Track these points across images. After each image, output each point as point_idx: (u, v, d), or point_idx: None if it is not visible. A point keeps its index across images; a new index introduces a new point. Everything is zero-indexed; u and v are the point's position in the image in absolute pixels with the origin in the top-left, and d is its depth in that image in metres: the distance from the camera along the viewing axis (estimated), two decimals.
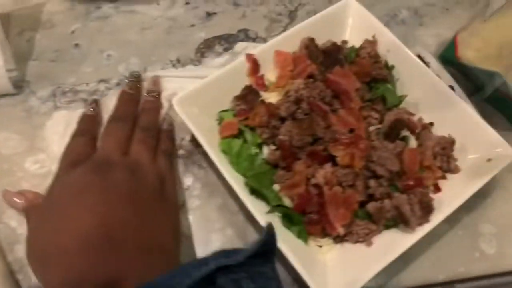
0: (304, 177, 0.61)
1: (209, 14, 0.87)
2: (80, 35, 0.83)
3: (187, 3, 0.88)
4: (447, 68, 0.82)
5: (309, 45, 0.70)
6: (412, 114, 0.68)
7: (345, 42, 0.75)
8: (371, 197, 0.61)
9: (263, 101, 0.66)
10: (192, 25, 0.88)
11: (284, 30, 0.84)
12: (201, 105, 0.67)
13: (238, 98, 0.67)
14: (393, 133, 0.63)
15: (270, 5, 0.89)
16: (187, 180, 0.71)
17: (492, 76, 0.73)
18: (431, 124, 0.69)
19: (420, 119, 0.69)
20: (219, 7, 0.88)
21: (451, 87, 0.77)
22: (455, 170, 0.64)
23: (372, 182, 0.60)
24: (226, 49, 0.85)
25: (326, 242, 0.61)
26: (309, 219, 0.60)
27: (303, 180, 0.61)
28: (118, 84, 0.81)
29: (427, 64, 0.79)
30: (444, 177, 0.64)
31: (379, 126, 0.65)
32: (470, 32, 0.78)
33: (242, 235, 0.67)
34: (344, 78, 0.67)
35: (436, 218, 0.58)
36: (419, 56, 0.80)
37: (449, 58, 0.80)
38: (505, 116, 0.77)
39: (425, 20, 0.88)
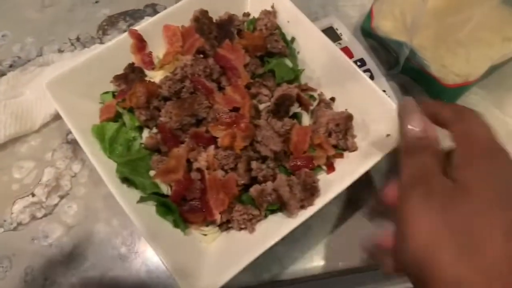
0: (182, 162, 0.56)
1: None
2: None
3: None
4: (368, 40, 0.78)
5: (200, 18, 0.64)
6: (307, 89, 0.64)
7: (246, 14, 0.70)
8: (255, 180, 0.57)
9: (142, 80, 0.60)
10: (96, 1, 0.83)
11: None
12: (80, 88, 0.61)
13: (117, 77, 0.62)
14: (281, 110, 0.58)
15: None
16: (75, 167, 0.67)
17: (401, 46, 0.68)
18: (332, 99, 0.64)
19: (320, 95, 0.64)
20: None
21: (362, 60, 0.72)
22: (351, 148, 0.59)
23: (254, 164, 0.56)
24: (131, 26, 0.80)
25: (211, 230, 0.57)
26: (189, 207, 0.56)
27: (181, 165, 0.56)
28: (11, 66, 0.76)
29: (339, 35, 0.74)
30: (340, 156, 0.60)
31: (269, 103, 0.60)
32: (383, 1, 0.73)
33: (128, 225, 0.63)
34: (232, 53, 0.61)
35: (321, 201, 0.54)
36: (331, 28, 0.75)
37: (367, 30, 0.75)
38: (424, 88, 0.72)
39: None
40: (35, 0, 0.82)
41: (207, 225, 0.57)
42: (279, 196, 0.53)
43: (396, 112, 0.45)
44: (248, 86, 0.61)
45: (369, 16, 0.74)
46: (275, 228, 0.54)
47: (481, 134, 0.39)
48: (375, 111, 0.60)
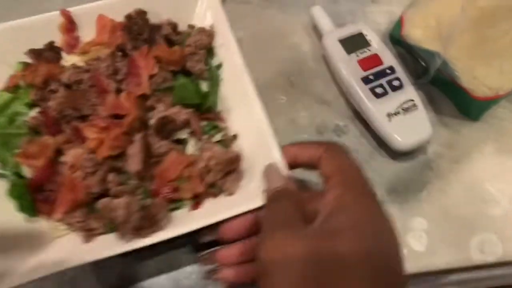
0: (47, 151, 0.55)
1: None
2: None
3: None
4: (396, 48, 0.74)
5: (133, 17, 0.63)
6: (212, 118, 0.61)
7: (191, 26, 0.68)
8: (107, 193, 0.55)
9: (48, 61, 0.60)
10: None
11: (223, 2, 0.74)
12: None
13: (33, 51, 0.62)
14: (163, 131, 0.56)
15: None
16: None
17: (433, 56, 0.64)
18: (234, 136, 0.60)
19: (224, 128, 0.61)
20: None
21: (392, 68, 0.67)
22: (227, 192, 0.56)
23: (110, 176, 0.54)
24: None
25: (59, 227, 0.56)
26: (44, 197, 0.55)
27: (45, 154, 0.55)
28: None
29: (368, 42, 0.70)
30: (212, 195, 0.56)
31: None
32: (416, 9, 0.70)
33: None
34: (143, 60, 0.60)
35: (159, 235, 0.51)
36: (361, 34, 0.71)
37: (396, 37, 0.72)
38: (451, 100, 0.69)
39: None
40: None
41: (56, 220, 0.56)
42: (112, 218, 0.50)
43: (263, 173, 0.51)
44: (146, 97, 0.59)
45: (399, 23, 0.71)
46: (102, 248, 0.51)
47: (352, 174, 0.43)
48: (262, 159, 0.56)
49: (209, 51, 0.64)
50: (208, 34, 0.64)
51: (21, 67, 0.63)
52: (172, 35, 0.64)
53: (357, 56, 0.68)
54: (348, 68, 0.68)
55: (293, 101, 0.72)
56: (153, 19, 0.65)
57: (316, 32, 0.78)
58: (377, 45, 0.70)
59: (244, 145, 0.60)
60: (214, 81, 0.63)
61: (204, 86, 0.63)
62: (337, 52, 0.70)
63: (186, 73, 0.62)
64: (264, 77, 0.72)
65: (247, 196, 0.55)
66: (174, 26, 0.65)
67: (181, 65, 0.61)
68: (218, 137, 0.61)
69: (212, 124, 0.61)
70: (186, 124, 0.57)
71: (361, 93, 0.66)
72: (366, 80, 0.66)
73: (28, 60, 0.63)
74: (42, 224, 0.56)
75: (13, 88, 0.60)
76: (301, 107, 0.71)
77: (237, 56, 0.60)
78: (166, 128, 0.56)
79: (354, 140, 0.69)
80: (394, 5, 0.78)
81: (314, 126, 0.70)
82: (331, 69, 0.73)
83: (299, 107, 0.71)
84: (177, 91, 0.58)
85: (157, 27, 0.63)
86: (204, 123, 0.61)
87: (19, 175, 0.56)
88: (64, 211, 0.53)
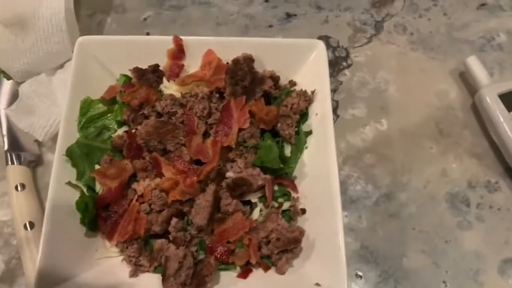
0: (123, 175, 0.57)
1: (289, 16, 0.82)
2: (152, 24, 0.79)
3: (266, 1, 0.83)
4: None
5: (240, 62, 0.62)
6: (287, 185, 0.59)
7: (292, 83, 0.66)
8: (167, 235, 0.55)
9: (149, 85, 0.61)
10: (270, 26, 0.81)
11: (368, 42, 0.79)
12: (107, 58, 0.65)
13: (136, 70, 0.63)
14: (236, 189, 0.55)
15: (355, 12, 0.82)
16: None
17: None
18: (303, 211, 0.58)
19: (295, 199, 0.59)
20: (300, 9, 0.82)
21: None
22: (278, 269, 0.54)
23: (173, 221, 0.54)
24: None
25: (111, 250, 0.57)
26: (106, 216, 0.56)
27: (120, 177, 0.56)
28: None
29: None
30: (265, 268, 0.55)
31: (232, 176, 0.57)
32: None
33: None
34: (239, 111, 0.59)
35: None
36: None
37: None
38: None
39: None
40: (210, 17, 0.82)
41: (109, 241, 0.57)
42: (165, 266, 0.50)
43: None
44: (230, 149, 0.58)
45: None
46: None
47: None
48: (324, 245, 0.54)
49: (301, 116, 0.62)
50: (307, 99, 0.62)
51: (123, 79, 0.64)
52: (272, 89, 0.62)
53: None
54: (509, 127, 0.66)
55: (443, 151, 0.71)
56: (257, 66, 0.64)
57: (464, 80, 0.76)
58: None
59: (309, 223, 0.58)
60: (299, 148, 0.61)
61: (287, 150, 0.61)
62: (497, 108, 0.68)
63: (273, 133, 0.61)
64: (411, 122, 0.73)
65: (296, 283, 0.53)
66: (276, 81, 0.64)
67: (272, 126, 0.60)
68: (286, 205, 0.59)
69: (283, 191, 0.60)
70: (260, 189, 0.56)
71: None
72: None
73: (130, 75, 0.65)
74: (97, 241, 0.57)
75: (109, 100, 0.62)
76: (452, 158, 0.70)
77: (330, 131, 0.58)
78: (240, 189, 0.55)
79: (507, 198, 0.68)
80: None
81: (465, 180, 0.69)
82: (485, 123, 0.71)
83: (449, 158, 0.70)
84: (262, 152, 0.57)
85: (259, 79, 0.62)
86: (275, 187, 0.59)
87: (91, 189, 0.57)
88: (121, 240, 0.54)
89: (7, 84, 0.71)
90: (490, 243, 0.65)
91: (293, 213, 0.58)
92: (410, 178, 0.69)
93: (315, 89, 0.62)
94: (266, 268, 0.55)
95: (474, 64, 0.73)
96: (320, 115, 0.61)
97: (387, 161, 0.70)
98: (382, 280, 0.63)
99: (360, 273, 0.63)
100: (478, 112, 0.73)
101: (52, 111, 0.66)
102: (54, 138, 0.66)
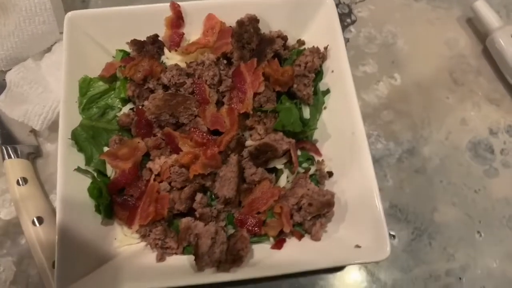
0: (136, 154, 0.52)
1: None
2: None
3: None
4: None
5: (245, 23, 0.58)
6: (309, 149, 0.55)
7: (301, 42, 0.62)
8: (192, 212, 0.51)
9: (151, 57, 0.56)
10: None
11: None
12: (100, 33, 0.59)
13: (135, 42, 0.58)
14: (260, 157, 0.51)
15: None
16: None
17: None
18: (330, 174, 0.55)
19: (320, 162, 0.56)
20: None
21: None
22: (313, 236, 0.51)
23: (198, 197, 0.50)
24: None
25: (131, 236, 0.53)
26: (123, 201, 0.52)
27: (133, 157, 0.52)
28: None
29: None
30: (298, 236, 0.52)
31: (253, 143, 0.53)
32: None
33: None
34: (251, 75, 0.55)
35: (239, 273, 0.47)
36: None
37: None
38: None
39: None
40: None
41: (129, 228, 0.53)
42: (196, 245, 0.46)
43: None
44: (247, 115, 0.54)
45: None
46: (177, 273, 0.48)
47: None
48: (360, 207, 0.51)
49: (317, 75, 0.59)
50: (321, 56, 0.58)
51: (120, 55, 0.60)
52: (281, 50, 0.58)
53: None
54: None
55: (459, 99, 0.69)
56: (262, 27, 0.60)
57: (472, 26, 0.74)
58: None
59: (338, 186, 0.55)
60: (318, 108, 0.58)
61: (305, 112, 0.58)
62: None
63: (290, 95, 0.57)
64: (424, 75, 0.70)
65: (335, 248, 0.50)
66: (285, 40, 0.60)
67: (288, 87, 0.56)
68: (312, 170, 0.56)
69: (306, 155, 0.56)
70: (284, 154, 0.52)
71: None
72: None
73: (128, 49, 0.60)
74: (115, 228, 0.53)
75: (109, 78, 0.57)
76: (470, 106, 0.69)
77: (349, 86, 0.55)
78: (264, 156, 0.51)
79: None
80: None
81: (486, 127, 0.67)
82: (500, 67, 0.69)
83: (467, 106, 0.69)
84: (282, 116, 0.53)
85: (268, 40, 0.57)
86: (298, 152, 0.56)
87: (102, 173, 0.53)
88: (143, 223, 0.50)
89: None
90: None
91: (320, 177, 0.55)
92: (430, 131, 0.66)
93: (328, 45, 0.59)
94: (300, 236, 0.52)
95: (483, 8, 0.70)
96: (337, 72, 0.58)
97: (405, 116, 0.67)
98: (415, 237, 0.60)
99: (392, 233, 0.60)
100: (490, 57, 0.71)
101: (46, 97, 0.60)
102: (51, 127, 0.61)
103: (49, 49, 0.65)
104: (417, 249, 0.60)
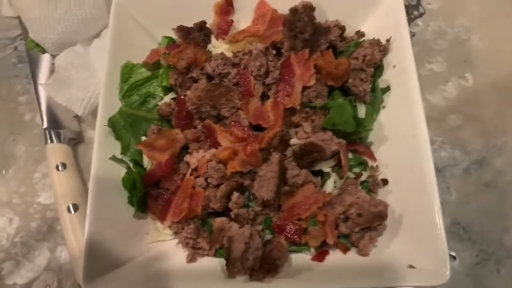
0: (174, 146, 0.49)
1: None
2: None
3: None
4: None
5: (299, 11, 0.53)
6: (362, 152, 0.50)
7: (360, 34, 0.57)
8: (227, 212, 0.47)
9: (197, 44, 0.53)
10: None
11: None
12: (147, 19, 0.57)
13: (181, 29, 0.56)
14: (304, 158, 0.46)
15: None
16: None
17: None
18: (384, 182, 0.49)
19: (374, 168, 0.50)
20: None
21: None
22: (361, 250, 0.45)
23: (235, 196, 0.46)
24: None
25: (164, 232, 0.50)
26: (157, 194, 0.49)
27: (171, 149, 0.49)
28: None
29: None
30: (344, 249, 0.46)
31: (298, 142, 0.48)
32: None
33: None
34: (301, 67, 0.50)
35: (267, 285, 0.42)
36: None
37: None
38: None
39: None
40: None
41: (161, 222, 0.50)
42: (229, 248, 0.42)
43: None
44: (293, 111, 0.49)
45: None
46: (207, 277, 0.44)
47: None
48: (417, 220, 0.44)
49: (376, 70, 0.53)
50: (382, 49, 0.52)
51: (166, 42, 0.57)
52: (337, 41, 0.53)
53: None
54: None
55: None
56: (318, 16, 0.55)
57: None
58: None
59: (392, 196, 0.48)
60: (376, 107, 0.52)
61: (361, 111, 0.52)
62: None
63: (344, 91, 0.52)
64: (500, 76, 0.62)
65: (384, 266, 0.44)
66: (342, 31, 0.54)
67: (342, 82, 0.50)
68: (364, 176, 0.50)
69: (359, 159, 0.50)
70: (333, 156, 0.47)
71: None
72: None
73: (174, 36, 0.57)
74: (148, 223, 0.50)
75: (152, 65, 0.54)
76: None
77: (413, 84, 0.48)
78: (310, 157, 0.46)
79: None
80: None
81: None
82: None
83: None
84: (333, 113, 0.48)
85: (324, 29, 0.52)
86: (349, 155, 0.50)
87: (138, 164, 0.51)
88: (175, 219, 0.47)
89: (43, 58, 0.65)
90: None
91: (373, 185, 0.49)
92: (505, 140, 0.58)
93: (390, 37, 0.52)
94: (345, 250, 0.46)
95: None
96: (399, 67, 0.51)
97: (476, 122, 0.59)
98: (480, 260, 0.53)
99: (453, 253, 0.53)
100: None
101: (91, 82, 0.59)
102: (94, 113, 0.60)
103: (97, 35, 0.64)
104: (481, 274, 0.52)
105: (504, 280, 0.51)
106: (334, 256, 0.46)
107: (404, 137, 0.48)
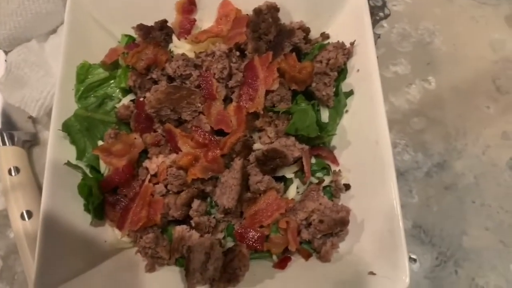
0: (132, 152, 0.47)
1: None
2: None
3: None
4: None
5: (263, 12, 0.52)
6: (325, 157, 0.49)
7: (325, 36, 0.56)
8: (188, 220, 0.46)
9: (157, 44, 0.51)
10: None
11: None
12: (105, 17, 0.55)
13: (141, 27, 0.53)
14: (267, 164, 0.45)
15: None
16: None
17: None
18: (347, 187, 0.49)
19: (337, 173, 0.49)
20: None
21: None
22: (323, 256, 0.45)
23: (195, 204, 0.45)
24: None
25: (124, 240, 0.48)
26: (115, 200, 0.48)
27: (128, 155, 0.47)
28: None
29: None
30: (305, 255, 0.46)
31: (261, 147, 0.47)
32: None
33: None
34: (265, 70, 0.49)
35: None
36: None
37: None
38: None
39: None
40: None
41: (120, 230, 0.48)
42: (188, 259, 0.41)
43: None
44: (256, 115, 0.48)
45: None
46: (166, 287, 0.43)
47: None
48: (379, 237, 0.45)
49: (340, 74, 0.52)
50: (346, 52, 0.51)
51: (125, 40, 0.55)
52: (302, 43, 0.52)
53: None
54: None
55: (502, 110, 0.61)
56: (283, 18, 0.54)
57: None
58: None
59: (355, 201, 0.48)
60: (339, 111, 0.51)
61: (324, 115, 0.52)
62: None
63: (308, 94, 0.51)
64: (462, 79, 0.63)
65: (345, 273, 0.44)
66: (306, 33, 0.54)
67: (305, 86, 0.50)
68: (326, 181, 0.49)
69: (322, 164, 0.50)
70: (296, 161, 0.46)
71: None
72: None
73: (134, 35, 0.55)
74: (106, 230, 0.49)
75: (111, 65, 0.52)
76: None
77: (376, 87, 0.48)
78: (273, 163, 0.45)
79: None
80: None
81: None
82: None
83: (510, 118, 0.61)
84: (297, 118, 0.47)
85: (288, 31, 0.51)
86: (313, 160, 0.50)
87: (95, 169, 0.49)
88: (133, 228, 0.45)
89: None
90: None
91: (335, 190, 0.49)
92: (465, 143, 0.59)
93: (354, 40, 0.52)
94: (307, 256, 0.46)
95: None
96: (363, 71, 0.51)
97: (439, 125, 0.60)
98: (440, 263, 0.54)
99: (414, 256, 0.54)
100: None
101: (46, 81, 0.57)
102: (50, 114, 0.56)
103: (54, 31, 0.61)
104: (440, 277, 0.53)
105: (462, 282, 0.52)
106: (296, 263, 0.46)
107: (366, 142, 0.48)
